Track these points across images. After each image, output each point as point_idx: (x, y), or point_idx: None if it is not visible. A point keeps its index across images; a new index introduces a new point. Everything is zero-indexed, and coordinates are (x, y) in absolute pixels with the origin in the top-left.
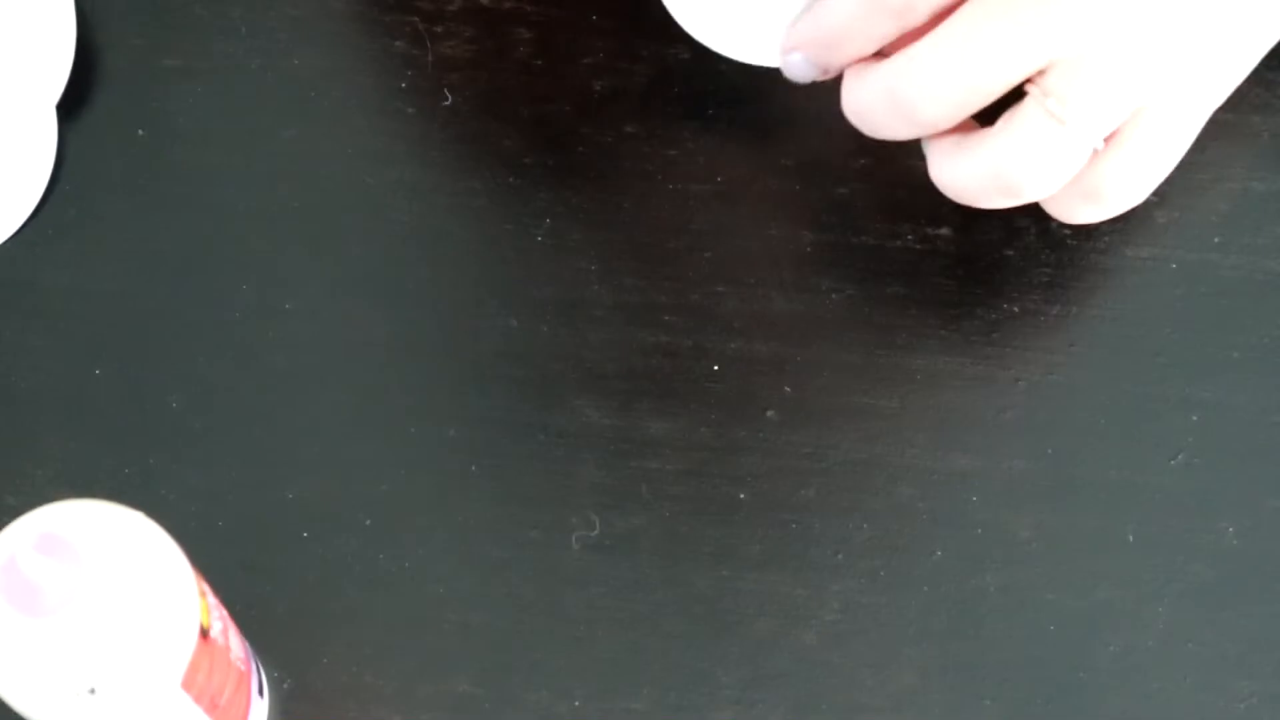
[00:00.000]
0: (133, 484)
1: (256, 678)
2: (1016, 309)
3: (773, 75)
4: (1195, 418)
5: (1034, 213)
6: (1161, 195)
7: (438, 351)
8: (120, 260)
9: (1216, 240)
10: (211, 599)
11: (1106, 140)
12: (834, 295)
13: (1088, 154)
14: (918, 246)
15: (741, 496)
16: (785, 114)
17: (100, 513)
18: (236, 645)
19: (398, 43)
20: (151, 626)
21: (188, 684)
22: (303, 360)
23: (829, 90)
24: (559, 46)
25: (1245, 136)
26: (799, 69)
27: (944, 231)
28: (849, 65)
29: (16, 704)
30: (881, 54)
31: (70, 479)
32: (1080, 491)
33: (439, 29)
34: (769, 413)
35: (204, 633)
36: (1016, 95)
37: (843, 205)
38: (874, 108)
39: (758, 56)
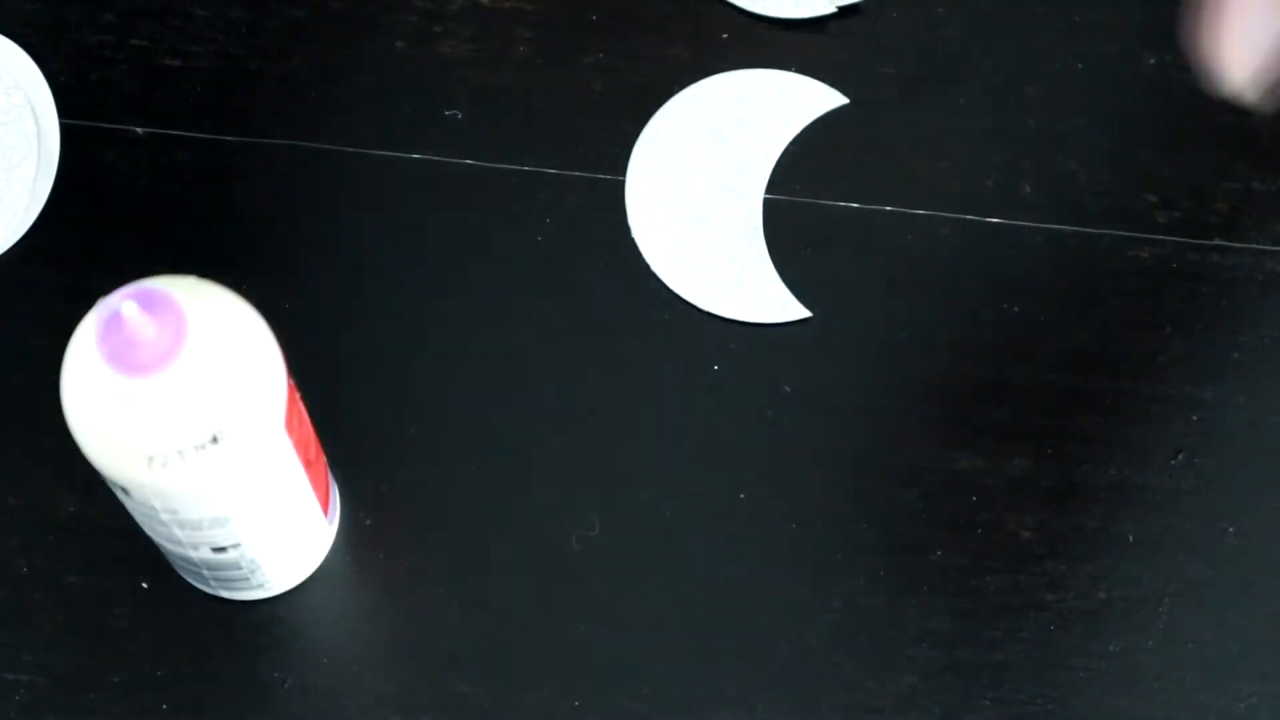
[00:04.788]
0: None
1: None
2: (1017, 309)
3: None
4: (1195, 417)
5: (1036, 213)
6: (1162, 196)
7: (436, 352)
8: (120, 261)
9: (1217, 240)
10: None
11: None
12: (833, 296)
13: None
14: (917, 246)
15: (742, 496)
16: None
17: (189, 282)
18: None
19: (398, 43)
20: (253, 373)
21: (288, 427)
22: (301, 360)
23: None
24: (559, 46)
25: (1245, 136)
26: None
27: (945, 232)
28: None
29: (137, 467)
30: None
31: (71, 479)
32: (1080, 491)
33: (439, 28)
34: (768, 412)
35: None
36: None
37: (843, 205)
38: None
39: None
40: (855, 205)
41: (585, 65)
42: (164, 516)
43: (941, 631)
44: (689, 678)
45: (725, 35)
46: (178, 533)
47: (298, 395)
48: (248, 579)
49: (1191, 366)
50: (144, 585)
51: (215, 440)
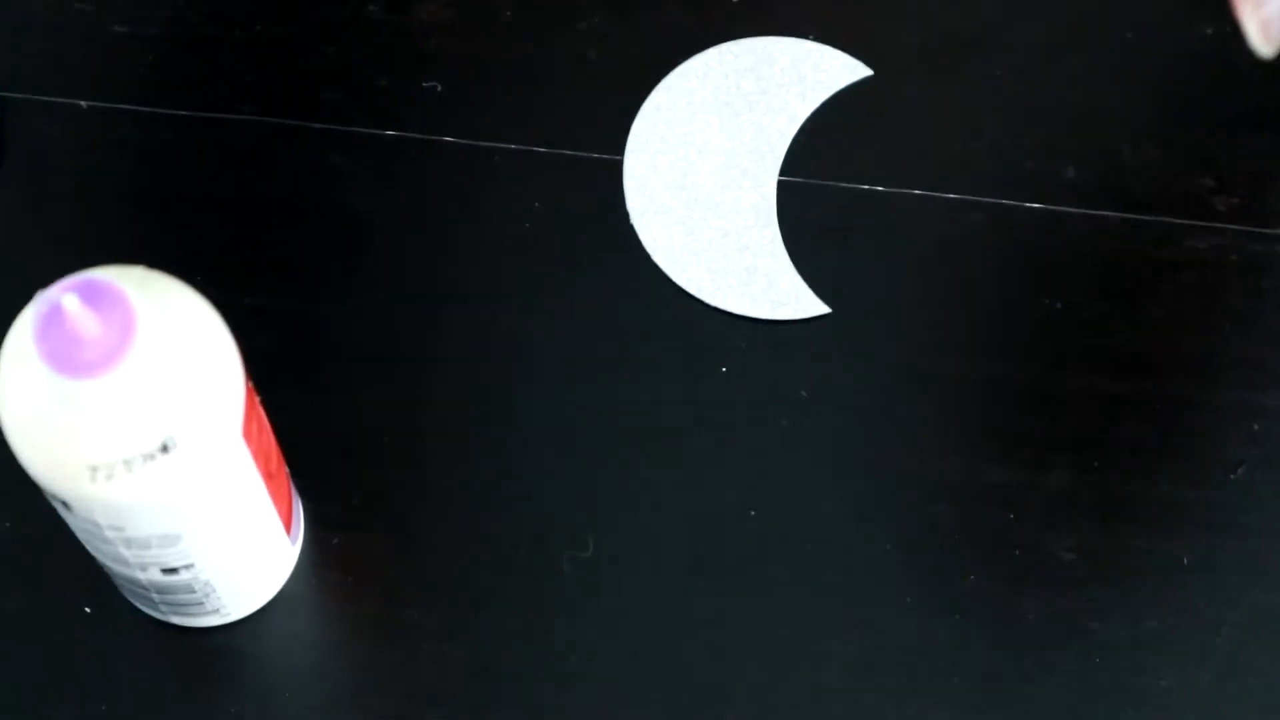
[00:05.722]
0: None
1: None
2: (1058, 305)
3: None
4: (1257, 427)
5: (1080, 198)
6: (1220, 179)
7: (412, 353)
8: (62, 249)
9: None
10: None
11: None
12: (855, 290)
13: None
14: (948, 234)
15: (752, 514)
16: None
17: (138, 273)
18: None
19: (370, 7)
20: (208, 376)
21: (246, 435)
22: (261, 362)
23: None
24: (549, 11)
25: None
26: None
27: (978, 219)
28: None
29: (79, 479)
30: None
31: (6, 492)
32: (1128, 508)
33: None
34: (782, 420)
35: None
36: None
37: (865, 189)
38: None
39: None
40: (879, 189)
41: (578, 32)
42: (109, 534)
43: (974, 664)
44: (692, 716)
45: None
46: (124, 552)
47: (257, 401)
48: (202, 604)
49: (1252, 370)
50: (87, 610)
51: (165, 449)
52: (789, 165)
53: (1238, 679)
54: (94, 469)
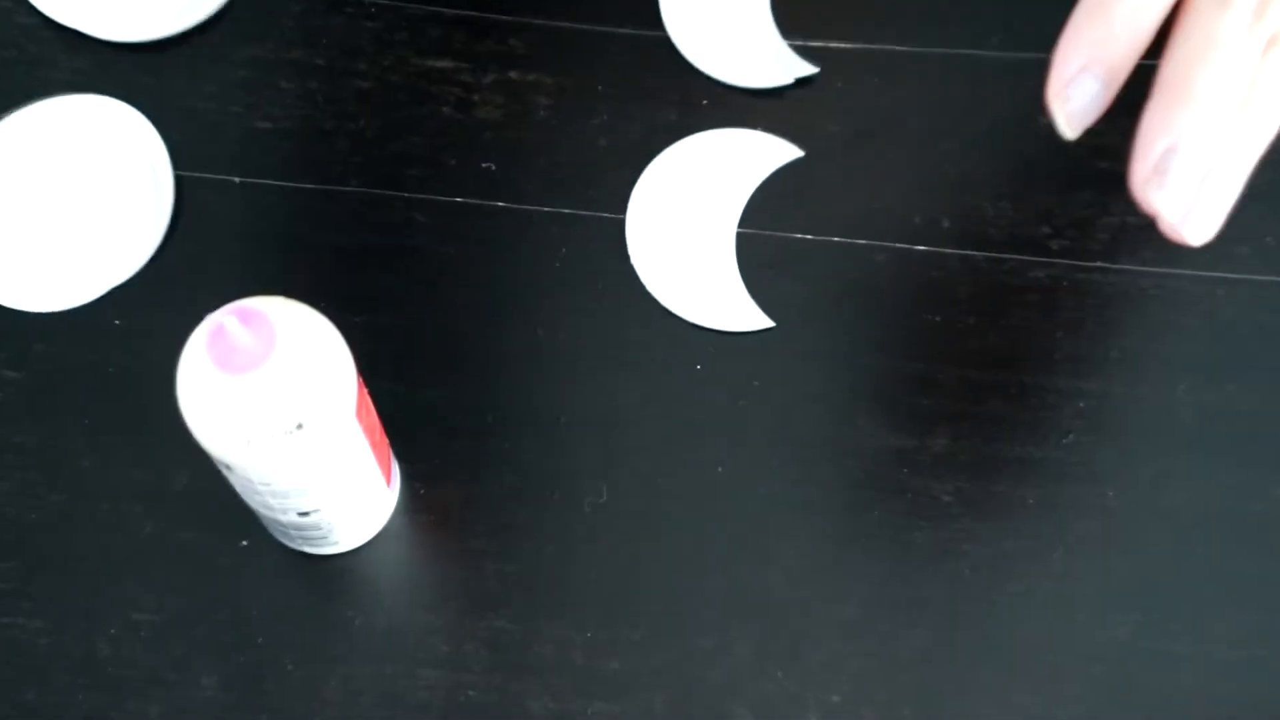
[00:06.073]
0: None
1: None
2: (939, 318)
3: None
4: (1082, 405)
5: (953, 242)
6: (1054, 227)
7: (474, 356)
8: (222, 285)
9: (1099, 263)
10: None
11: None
12: (792, 309)
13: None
14: (858, 269)
15: (719, 470)
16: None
17: (278, 301)
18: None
19: (444, 108)
20: (329, 373)
21: (358, 415)
22: (368, 363)
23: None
24: (572, 110)
25: (1120, 180)
26: (1088, 93)
27: (880, 258)
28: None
29: (238, 448)
30: None
31: (184, 457)
32: (991, 464)
33: (476, 97)
34: (740, 403)
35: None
36: None
37: (799, 237)
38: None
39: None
40: (809, 236)
41: (593, 126)
42: (259, 487)
43: (877, 576)
44: (676, 612)
45: (705, 101)
46: (270, 500)
47: (365, 390)
48: (325, 537)
49: (1079, 364)
50: (243, 543)
51: (300, 427)
52: (744, 220)
53: (1069, 584)
54: (249, 441)
